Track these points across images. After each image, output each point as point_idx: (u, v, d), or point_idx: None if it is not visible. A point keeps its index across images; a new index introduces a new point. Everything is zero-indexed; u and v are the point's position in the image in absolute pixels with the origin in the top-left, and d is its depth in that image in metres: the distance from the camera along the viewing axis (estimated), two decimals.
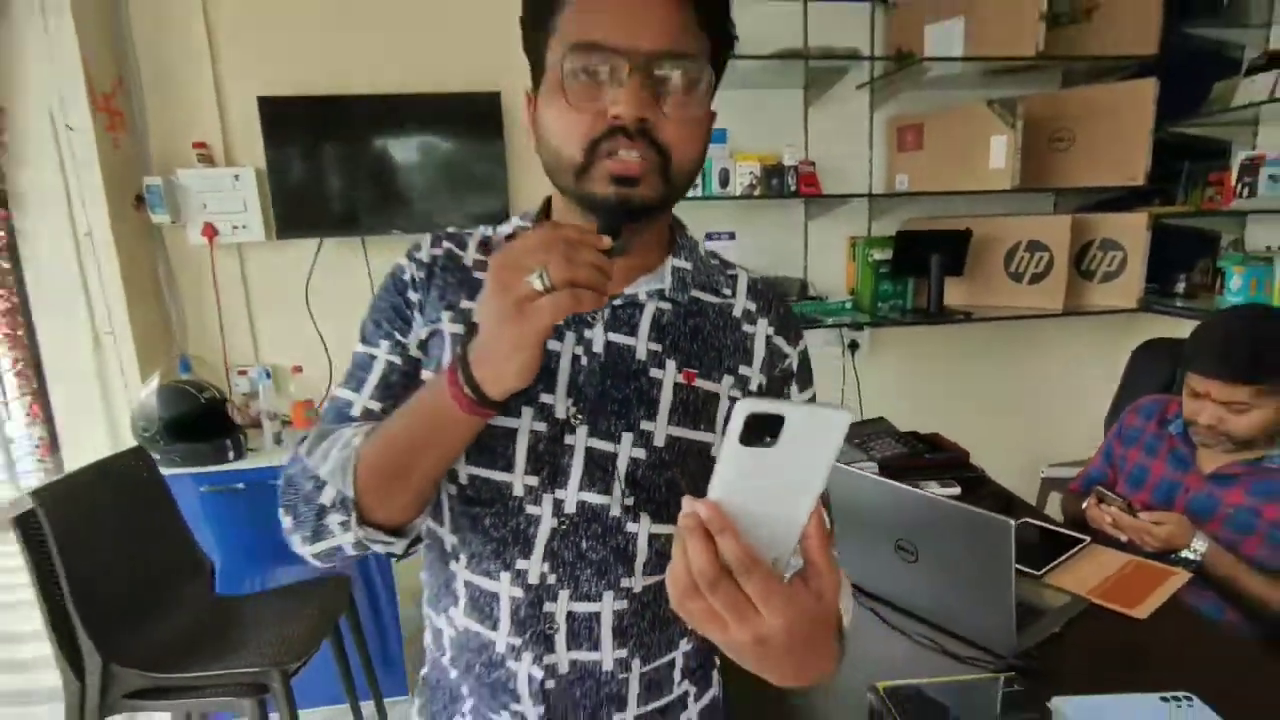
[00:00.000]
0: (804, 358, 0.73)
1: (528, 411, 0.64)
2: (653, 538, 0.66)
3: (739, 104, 2.44)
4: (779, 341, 0.71)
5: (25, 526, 1.54)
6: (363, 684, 2.07)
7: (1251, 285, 2.19)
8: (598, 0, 0.58)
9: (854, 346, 2.63)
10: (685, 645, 0.71)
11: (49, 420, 2.17)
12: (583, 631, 0.65)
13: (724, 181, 2.31)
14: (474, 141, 2.29)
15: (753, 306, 0.71)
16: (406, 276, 0.69)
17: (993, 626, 1.00)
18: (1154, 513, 1.30)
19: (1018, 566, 1.22)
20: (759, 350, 0.70)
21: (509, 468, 0.64)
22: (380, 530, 0.62)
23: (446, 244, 0.71)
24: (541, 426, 0.64)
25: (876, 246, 2.48)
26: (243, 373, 2.37)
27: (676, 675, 0.71)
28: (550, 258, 0.50)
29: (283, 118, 2.20)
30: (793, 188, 2.35)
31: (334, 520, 0.62)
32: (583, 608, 0.65)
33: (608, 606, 0.65)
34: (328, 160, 2.24)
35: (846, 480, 1.19)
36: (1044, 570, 1.24)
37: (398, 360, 0.68)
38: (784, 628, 0.43)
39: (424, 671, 0.77)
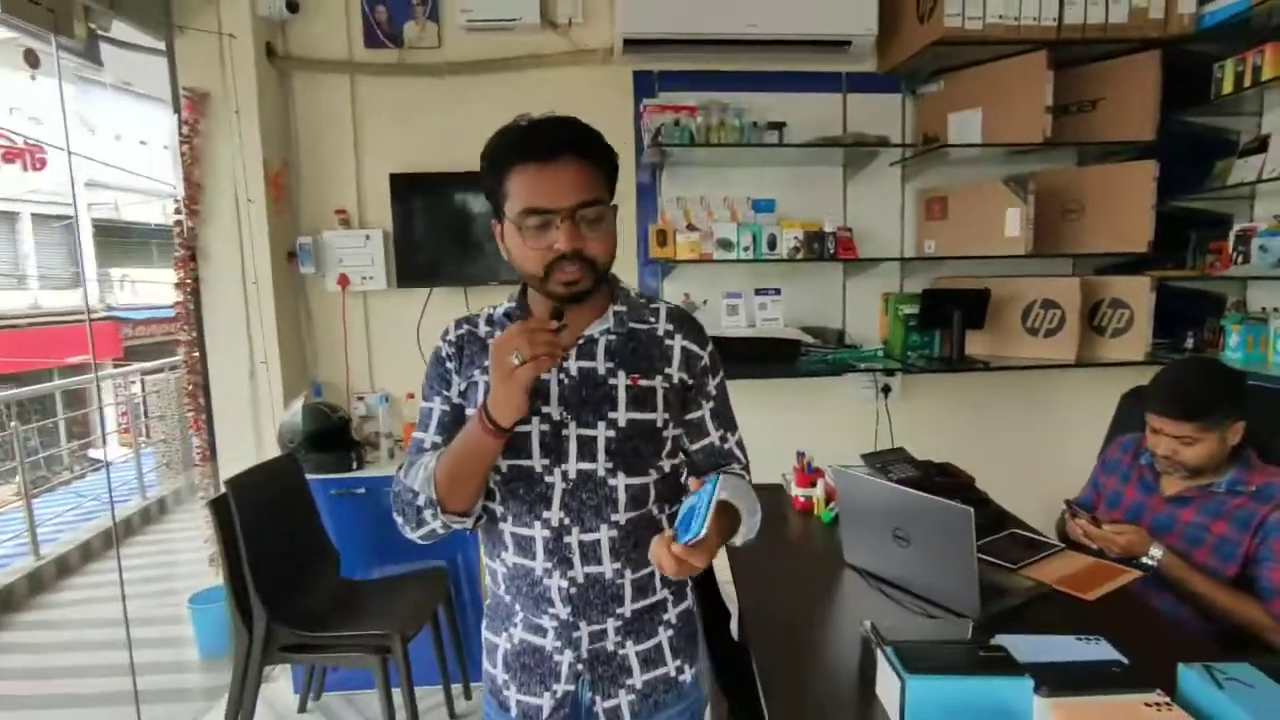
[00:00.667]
0: (713, 355, 1.09)
1: (535, 420, 0.99)
2: (628, 487, 1.01)
3: (786, 179, 2.84)
4: (693, 347, 1.07)
5: (218, 509, 1.99)
6: (453, 669, 2.43)
7: (1249, 342, 2.45)
8: (535, 179, 0.93)
9: (887, 390, 2.94)
10: None
11: (210, 433, 2.66)
12: (590, 553, 1.00)
13: (772, 245, 2.69)
14: None
15: (671, 327, 1.07)
16: (443, 354, 1.07)
17: (962, 594, 1.31)
18: (1115, 524, 1.59)
19: (997, 561, 1.54)
20: (677, 355, 1.05)
21: (530, 455, 0.99)
22: (455, 515, 0.98)
23: (466, 326, 1.08)
24: (546, 427, 0.99)
25: (906, 302, 2.81)
26: (360, 398, 2.83)
27: (657, 584, 1.06)
28: (520, 343, 0.86)
29: (407, 189, 2.70)
30: (832, 251, 2.71)
31: (428, 514, 0.99)
32: (588, 537, 1.00)
33: (604, 535, 1.00)
34: (440, 224, 2.73)
35: (858, 485, 1.52)
36: (1019, 565, 1.54)
37: (447, 407, 1.06)
38: (705, 559, 0.88)
39: (487, 602, 1.15)
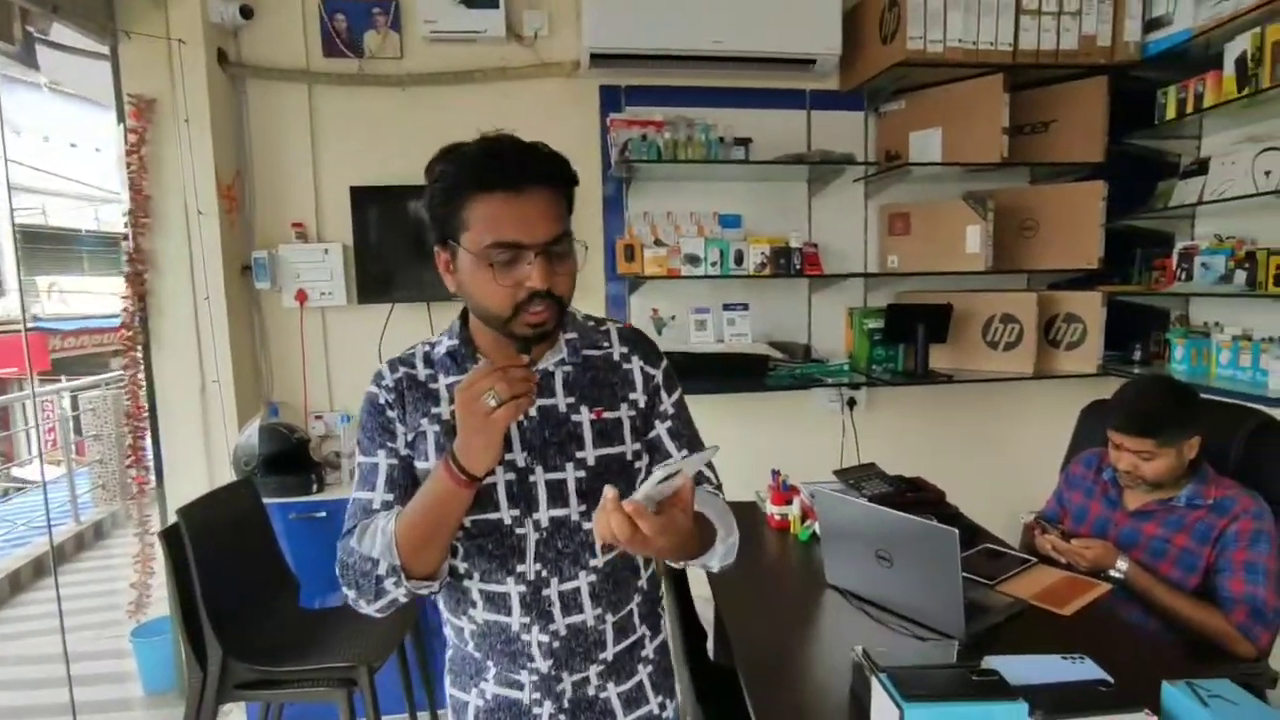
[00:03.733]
0: (666, 372, 1.03)
1: (499, 469, 0.91)
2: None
3: (752, 195, 2.86)
4: (648, 369, 1.01)
5: (169, 538, 1.88)
6: (420, 697, 2.35)
7: (1193, 355, 2.56)
8: (504, 209, 0.84)
9: (852, 403, 2.98)
10: (637, 598, 1.02)
11: (158, 455, 2.52)
12: (570, 603, 0.94)
13: (739, 260, 2.70)
14: None
15: (625, 349, 1.01)
16: (381, 401, 0.96)
17: (947, 614, 1.32)
18: (1083, 539, 1.63)
19: (975, 577, 1.56)
20: (638, 379, 0.99)
21: (497, 508, 0.92)
22: (421, 580, 0.89)
23: (402, 368, 0.97)
24: (511, 475, 0.92)
25: (871, 317, 2.85)
26: (319, 417, 2.73)
27: (636, 621, 1.02)
28: (495, 383, 0.78)
29: (368, 203, 2.62)
30: (798, 266, 2.74)
31: (389, 584, 0.89)
32: (568, 586, 0.94)
33: (584, 581, 0.95)
34: (402, 239, 2.66)
35: (840, 506, 1.53)
36: (996, 581, 1.56)
37: (394, 461, 0.95)
38: (667, 540, 0.77)
39: (449, 654, 1.05)
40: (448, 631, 1.05)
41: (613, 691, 1.01)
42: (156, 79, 2.38)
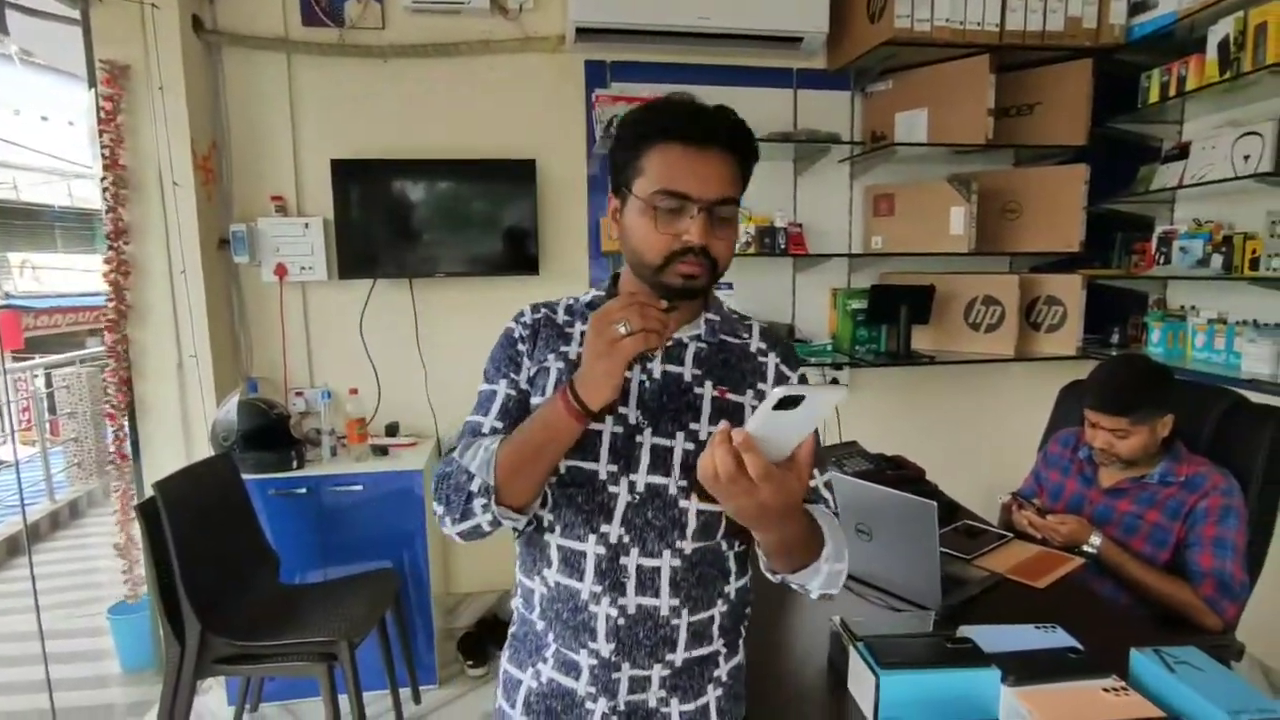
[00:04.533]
0: (802, 378, 0.99)
1: (609, 420, 0.89)
2: (699, 512, 0.89)
3: None
4: (784, 369, 0.98)
5: (146, 512, 1.86)
6: (401, 673, 2.35)
7: (1169, 338, 2.59)
8: (682, 159, 0.85)
9: (835, 383, 3.00)
10: (721, 606, 0.94)
11: (134, 431, 2.49)
12: (647, 581, 0.89)
13: None
14: (510, 200, 2.67)
15: (764, 345, 0.99)
16: (516, 335, 0.97)
17: (925, 587, 1.34)
18: (1058, 515, 1.66)
19: (952, 552, 1.58)
20: (771, 373, 0.97)
21: (596, 459, 0.89)
22: (511, 509, 0.85)
23: (544, 310, 0.99)
24: (619, 429, 0.89)
25: (854, 298, 2.86)
26: (299, 393, 2.70)
27: (714, 631, 0.94)
28: (629, 314, 0.77)
29: (350, 176, 2.57)
30: (783, 246, 2.74)
31: (478, 504, 0.85)
32: (648, 562, 0.88)
33: (666, 562, 0.89)
34: (384, 213, 2.62)
35: None
36: (973, 556, 1.58)
37: (514, 392, 0.95)
38: (771, 497, 0.70)
39: (513, 629, 1.02)
40: (516, 603, 1.02)
41: (675, 709, 0.93)
42: (129, 45, 2.32)
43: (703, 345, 0.96)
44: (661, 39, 2.59)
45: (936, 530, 1.28)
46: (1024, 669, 1.01)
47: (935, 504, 1.27)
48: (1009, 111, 2.77)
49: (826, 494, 1.00)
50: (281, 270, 2.58)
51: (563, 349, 0.96)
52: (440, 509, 0.90)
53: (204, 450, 2.40)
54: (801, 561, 0.85)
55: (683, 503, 0.90)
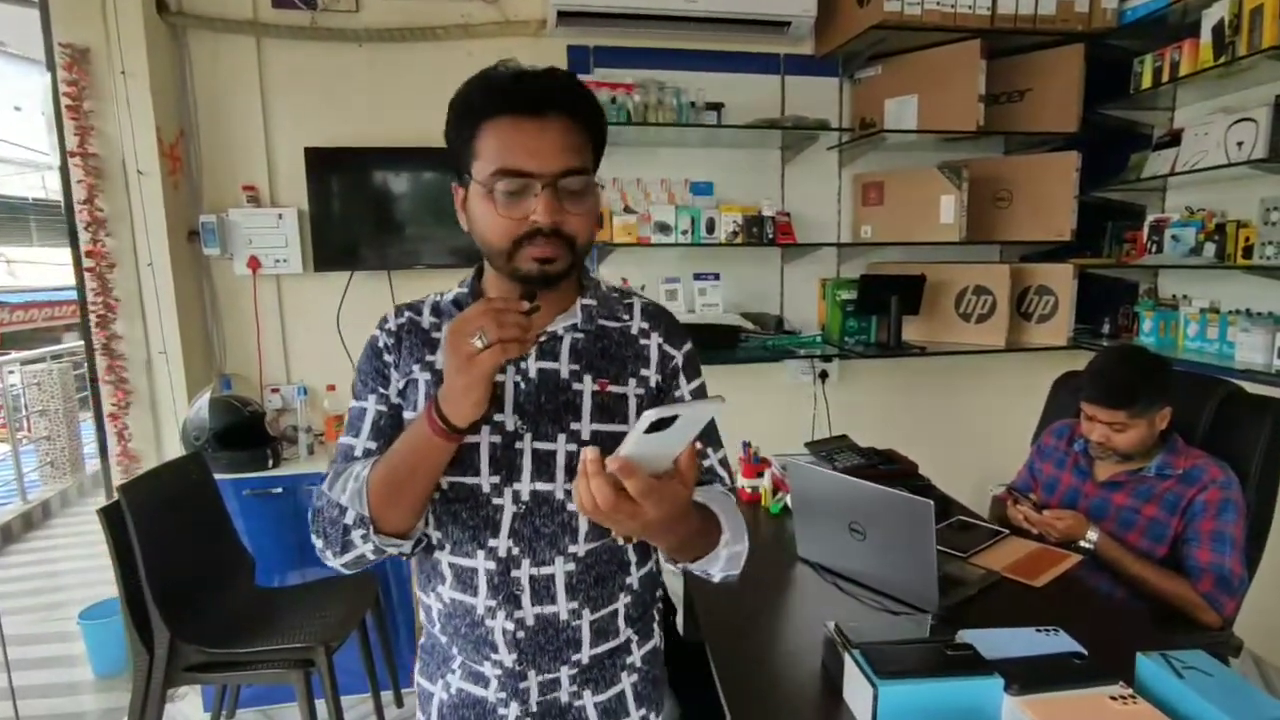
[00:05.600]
0: (688, 356, 0.94)
1: (485, 429, 0.84)
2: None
3: (725, 162, 2.79)
4: (668, 348, 0.92)
5: (110, 517, 1.78)
6: (383, 676, 2.29)
7: (1161, 328, 2.57)
8: (514, 134, 0.78)
9: (824, 376, 2.95)
10: (625, 598, 0.91)
11: (101, 430, 2.40)
12: (542, 590, 0.85)
13: (710, 229, 2.64)
14: None
15: (646, 325, 0.92)
16: (380, 344, 0.91)
17: (921, 588, 1.29)
18: (1055, 510, 1.62)
19: (948, 550, 1.53)
20: (654, 356, 0.91)
21: (477, 472, 0.84)
22: (391, 537, 0.82)
23: (408, 314, 0.92)
24: (497, 438, 0.84)
25: (844, 288, 2.81)
26: (275, 390, 2.62)
27: (621, 623, 0.91)
28: (486, 323, 0.70)
29: (325, 165, 2.49)
30: (771, 236, 2.68)
31: (356, 535, 0.82)
32: (541, 571, 0.85)
33: (559, 569, 0.85)
34: (361, 204, 2.53)
35: (813, 478, 1.49)
36: (969, 553, 1.54)
37: (384, 408, 0.89)
38: (657, 511, 0.66)
39: (421, 641, 0.99)
40: (421, 615, 0.98)
41: (589, 700, 0.91)
42: (89, 27, 2.22)
43: (579, 335, 0.89)
44: (646, 23, 2.52)
45: (934, 530, 1.23)
46: (1027, 676, 0.96)
47: (932, 503, 1.22)
48: (999, 98, 2.72)
49: (722, 471, 0.96)
50: (254, 263, 2.49)
51: (428, 358, 0.89)
52: (319, 543, 0.86)
53: (174, 450, 2.32)
54: (700, 552, 0.84)
55: (571, 506, 0.85)
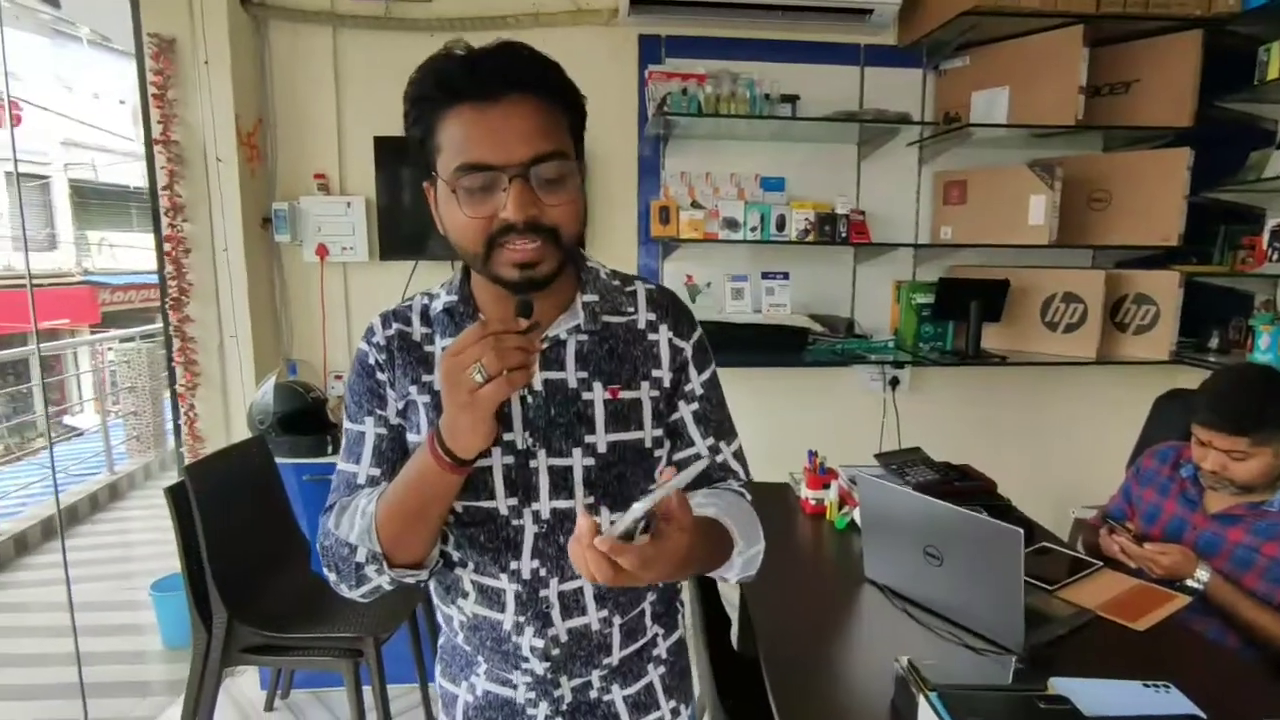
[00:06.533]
0: (697, 345, 0.87)
1: (496, 451, 0.79)
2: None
3: (797, 156, 2.67)
4: (677, 341, 0.85)
5: (175, 496, 1.82)
6: (431, 667, 2.28)
7: (1279, 344, 2.32)
8: (473, 125, 0.70)
9: (895, 383, 2.80)
10: (651, 596, 0.89)
11: (175, 410, 2.48)
12: (572, 604, 0.82)
13: (780, 226, 2.53)
14: None
15: (653, 316, 0.85)
16: (371, 361, 0.83)
17: (1004, 624, 1.17)
18: (1158, 544, 1.46)
19: (1033, 581, 1.40)
20: (664, 352, 0.84)
21: (492, 495, 0.79)
22: (406, 569, 0.78)
23: (396, 324, 0.84)
24: (510, 459, 0.79)
25: (920, 291, 2.66)
26: (339, 377, 2.65)
27: (648, 622, 0.89)
28: (483, 353, 0.64)
29: (393, 154, 2.50)
30: (844, 234, 2.56)
31: (370, 570, 0.78)
32: (569, 586, 0.81)
33: (588, 582, 0.80)
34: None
35: (885, 494, 1.38)
36: (1056, 586, 1.40)
37: (384, 431, 0.82)
38: (659, 572, 0.63)
39: (440, 641, 0.95)
40: (439, 617, 0.93)
41: (618, 694, 0.88)
42: (176, 18, 2.28)
43: (584, 338, 0.82)
44: (720, 11, 2.43)
45: (1022, 561, 1.11)
46: None
47: (1021, 532, 1.10)
48: (1101, 90, 2.51)
49: (736, 465, 0.91)
50: (323, 250, 2.52)
51: (424, 378, 0.82)
52: (332, 577, 0.82)
53: (242, 432, 2.37)
54: (714, 566, 0.80)
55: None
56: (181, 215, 2.34)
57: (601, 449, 0.80)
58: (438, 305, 0.85)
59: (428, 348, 0.83)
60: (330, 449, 2.33)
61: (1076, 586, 1.42)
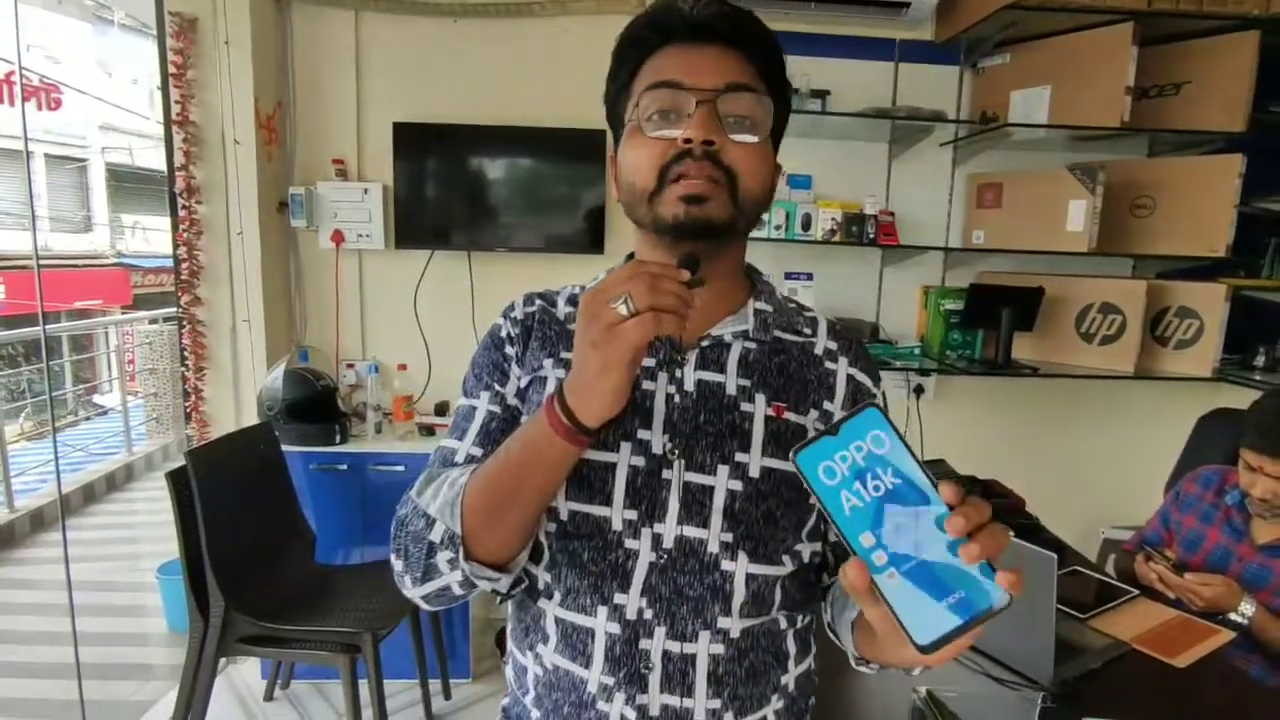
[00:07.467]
0: (884, 398, 0.77)
1: (626, 446, 0.66)
2: (750, 578, 0.66)
3: (825, 153, 2.59)
4: (863, 379, 0.74)
5: (176, 481, 1.79)
6: (432, 664, 2.24)
7: None
8: (670, 56, 0.68)
9: (919, 391, 2.71)
10: (777, 703, 0.71)
11: (186, 394, 2.46)
12: (677, 674, 0.66)
13: (805, 225, 2.45)
14: (579, 173, 2.49)
15: (833, 346, 0.75)
16: (503, 334, 0.75)
17: (1033, 655, 1.09)
18: (1200, 574, 1.36)
19: (1063, 608, 1.31)
20: (840, 386, 0.72)
21: (608, 502, 0.66)
22: (485, 565, 0.64)
23: (540, 302, 0.77)
24: (640, 461, 0.66)
25: (949, 297, 2.56)
26: (350, 366, 2.62)
27: None
28: (634, 286, 0.54)
29: (411, 141, 2.45)
30: (871, 236, 2.47)
31: (442, 559, 0.64)
32: (678, 647, 0.66)
33: (703, 649, 0.66)
34: (447, 182, 2.49)
35: None
36: (1089, 614, 1.31)
37: (497, 409, 0.73)
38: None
39: (504, 703, 0.79)
40: (508, 672, 0.78)
41: None
42: None
43: (750, 345, 0.72)
44: (751, 1, 2.35)
45: (1054, 589, 1.03)
46: None
47: (1055, 557, 1.02)
48: (1149, 91, 2.40)
49: None
50: (338, 237, 2.49)
51: (563, 354, 0.73)
52: (398, 564, 0.68)
53: (253, 418, 2.35)
54: None
55: (726, 564, 0.66)
56: (196, 197, 2.32)
57: (753, 473, 0.67)
58: (591, 287, 0.73)
59: (570, 326, 0.74)
60: (339, 438, 2.29)
61: (1110, 615, 1.33)
